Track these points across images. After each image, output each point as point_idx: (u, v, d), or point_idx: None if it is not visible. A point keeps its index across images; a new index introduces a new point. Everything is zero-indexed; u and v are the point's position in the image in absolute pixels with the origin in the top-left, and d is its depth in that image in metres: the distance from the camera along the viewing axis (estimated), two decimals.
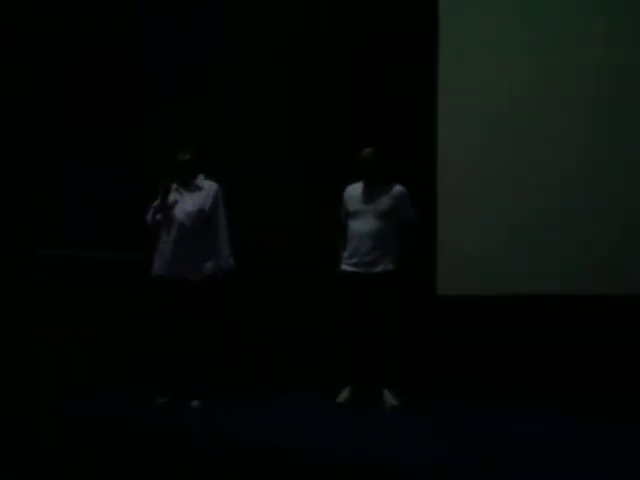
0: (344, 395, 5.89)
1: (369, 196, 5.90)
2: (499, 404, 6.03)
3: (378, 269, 5.81)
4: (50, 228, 7.07)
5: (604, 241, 6.81)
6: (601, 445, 4.61)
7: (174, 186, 5.94)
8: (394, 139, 7.01)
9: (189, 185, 5.93)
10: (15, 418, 5.41)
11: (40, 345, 6.74)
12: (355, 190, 5.98)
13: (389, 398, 5.75)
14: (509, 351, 6.95)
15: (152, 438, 4.81)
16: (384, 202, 5.87)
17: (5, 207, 7.24)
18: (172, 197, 5.92)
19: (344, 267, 5.93)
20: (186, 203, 5.88)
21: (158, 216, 5.92)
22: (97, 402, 6.10)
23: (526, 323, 7.01)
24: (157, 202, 5.92)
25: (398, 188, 5.92)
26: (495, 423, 5.32)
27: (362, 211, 5.88)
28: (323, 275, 6.54)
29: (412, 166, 7.05)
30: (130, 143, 7.50)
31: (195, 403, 5.81)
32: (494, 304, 7.13)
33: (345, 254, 5.94)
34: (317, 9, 7.76)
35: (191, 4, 7.67)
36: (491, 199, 7.22)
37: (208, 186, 5.95)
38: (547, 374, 6.74)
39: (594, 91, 6.91)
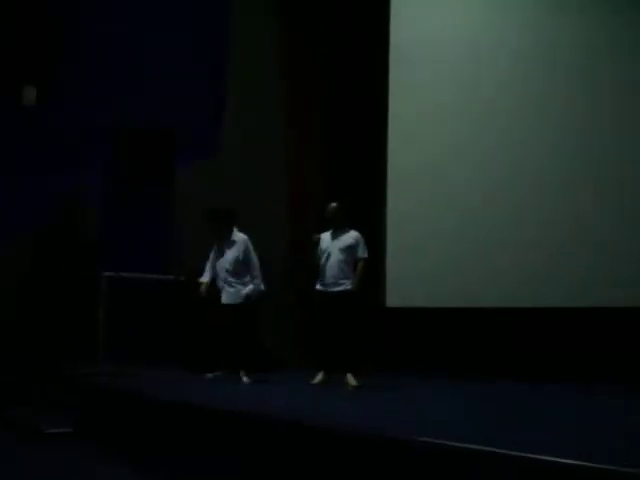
0: (318, 378, 7.41)
1: (335, 237, 7.48)
2: (427, 389, 7.42)
3: (340, 288, 7.36)
4: (111, 256, 8.86)
5: (540, 256, 7.63)
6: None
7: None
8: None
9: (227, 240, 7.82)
10: None
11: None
12: (326, 235, 7.57)
13: (350, 380, 7.22)
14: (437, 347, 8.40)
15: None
16: (346, 242, 7.44)
17: (81, 242, 9.00)
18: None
19: (317, 287, 7.50)
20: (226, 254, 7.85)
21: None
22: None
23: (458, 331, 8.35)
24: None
25: (354, 233, 7.48)
26: (418, 400, 6.54)
27: (330, 247, 7.44)
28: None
29: (366, 187, 8.61)
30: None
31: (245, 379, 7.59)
32: (436, 315, 8.50)
33: (319, 278, 7.50)
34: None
35: None
36: (437, 218, 8.42)
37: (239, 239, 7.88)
38: (468, 369, 7.98)
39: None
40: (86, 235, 9.46)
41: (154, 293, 8.91)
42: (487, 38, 8.29)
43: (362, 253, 7.45)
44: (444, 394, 7.18)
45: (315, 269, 7.54)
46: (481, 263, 8.10)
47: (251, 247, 7.84)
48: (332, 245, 7.43)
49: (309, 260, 7.57)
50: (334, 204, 7.50)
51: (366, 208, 8.82)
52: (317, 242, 7.40)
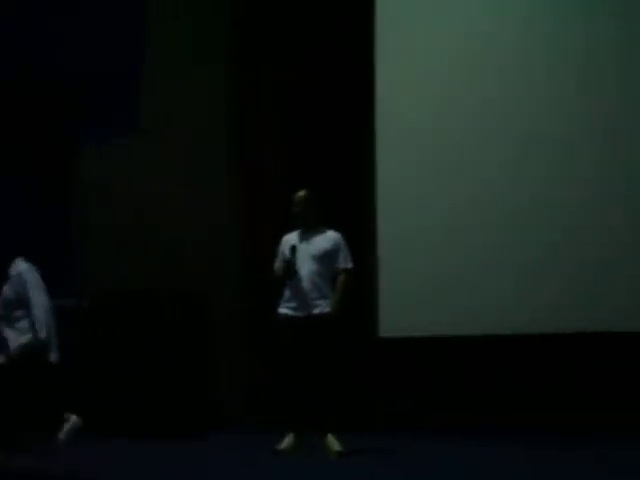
0: (287, 442, 5.87)
1: (304, 240, 6.01)
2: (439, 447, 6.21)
3: (316, 311, 5.91)
4: None
5: (538, 281, 6.95)
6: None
7: None
8: (331, 182, 7.22)
9: None
10: None
11: None
12: (291, 237, 6.09)
13: (332, 443, 5.78)
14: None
15: None
16: (322, 246, 6.00)
17: None
18: None
19: (282, 310, 6.01)
20: None
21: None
22: None
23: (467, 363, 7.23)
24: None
25: (333, 234, 6.06)
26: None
27: (298, 254, 5.96)
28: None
29: (351, 209, 7.30)
30: None
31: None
32: (435, 345, 7.33)
33: (284, 298, 6.00)
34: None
35: None
36: (430, 241, 7.41)
37: None
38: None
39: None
40: None
41: None
42: None
43: (344, 262, 6.09)
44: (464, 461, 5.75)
45: (277, 285, 6.10)
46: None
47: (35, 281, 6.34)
48: (302, 250, 6.01)
49: (272, 274, 6.16)
50: (302, 192, 6.11)
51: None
52: (292, 249, 6.00)
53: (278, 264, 6.10)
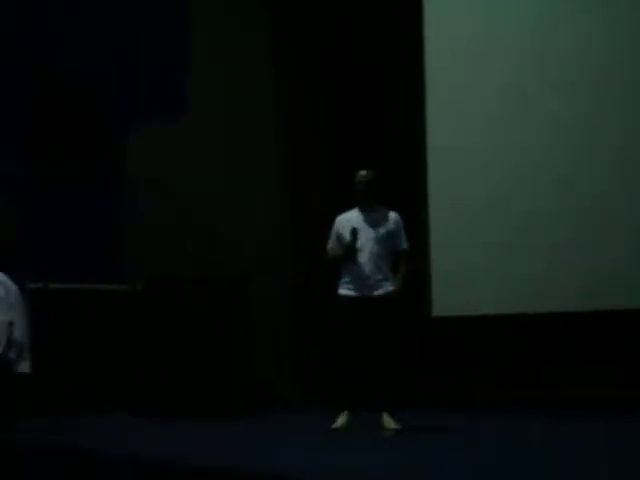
0: (341, 421, 5.79)
1: (366, 221, 5.82)
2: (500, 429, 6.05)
3: (380, 292, 5.76)
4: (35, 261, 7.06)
5: (590, 259, 6.85)
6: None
7: None
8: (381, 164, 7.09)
9: None
10: None
11: None
12: (349, 217, 5.89)
13: (388, 422, 5.67)
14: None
15: None
16: (383, 226, 5.83)
17: None
18: None
19: (343, 292, 5.84)
20: None
21: None
22: None
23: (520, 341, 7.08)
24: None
25: (393, 214, 5.90)
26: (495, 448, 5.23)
27: (360, 235, 5.76)
28: None
29: (402, 191, 7.12)
30: None
31: None
32: (487, 324, 7.23)
33: (344, 279, 5.84)
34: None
35: None
36: (482, 218, 7.34)
37: None
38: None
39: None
40: None
41: (96, 310, 7.01)
42: None
43: (405, 243, 5.97)
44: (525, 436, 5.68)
45: (330, 266, 5.94)
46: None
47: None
48: (364, 231, 5.80)
49: (324, 255, 5.99)
50: (366, 172, 5.87)
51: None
52: (354, 231, 5.75)
53: (332, 245, 5.94)
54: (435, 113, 7.61)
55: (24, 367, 6.03)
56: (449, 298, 7.43)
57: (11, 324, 5.96)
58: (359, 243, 5.74)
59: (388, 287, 5.78)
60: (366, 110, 7.82)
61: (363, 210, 5.87)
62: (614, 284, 6.74)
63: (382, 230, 5.82)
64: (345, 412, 5.81)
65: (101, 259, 7.01)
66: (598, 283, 6.81)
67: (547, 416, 6.43)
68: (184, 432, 6.13)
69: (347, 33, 7.94)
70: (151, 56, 7.51)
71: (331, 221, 5.96)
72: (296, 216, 7.94)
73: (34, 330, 6.34)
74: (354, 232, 5.72)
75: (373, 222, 5.82)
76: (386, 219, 5.86)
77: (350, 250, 5.74)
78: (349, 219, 5.86)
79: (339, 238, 5.86)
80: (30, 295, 6.65)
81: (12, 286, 6.06)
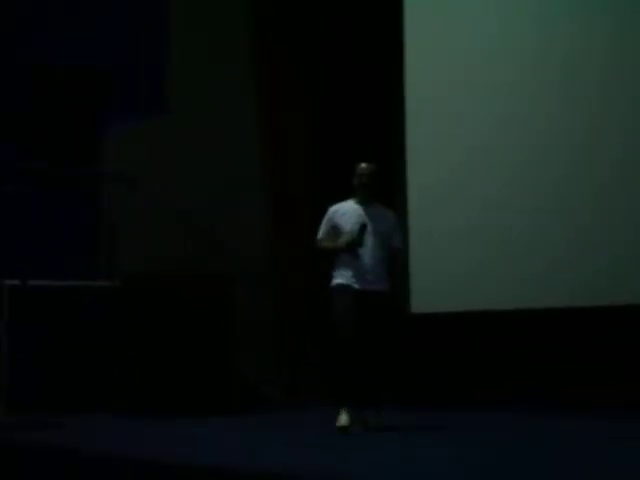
0: (344, 419, 5.57)
1: (367, 215, 5.68)
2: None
3: (376, 287, 5.65)
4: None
5: (573, 256, 6.80)
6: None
7: None
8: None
9: None
10: None
11: None
12: (346, 208, 5.74)
13: (376, 419, 5.60)
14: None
15: None
16: (384, 223, 5.75)
17: None
18: None
19: (340, 281, 5.68)
20: None
21: None
22: None
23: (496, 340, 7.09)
24: None
25: (391, 212, 5.84)
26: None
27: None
28: None
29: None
30: None
31: None
32: (466, 320, 7.23)
33: (342, 271, 5.68)
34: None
35: None
36: (460, 214, 7.31)
37: None
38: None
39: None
40: None
41: (77, 308, 6.93)
42: None
43: (400, 242, 5.95)
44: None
45: (324, 258, 5.83)
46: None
47: None
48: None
49: (315, 244, 5.82)
50: (367, 164, 5.73)
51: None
52: (363, 227, 5.61)
53: (323, 235, 5.77)
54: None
55: None
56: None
57: None
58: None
59: (384, 284, 5.69)
60: (349, 110, 7.77)
61: (363, 204, 5.72)
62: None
63: (383, 226, 5.72)
64: (344, 409, 5.57)
65: (82, 257, 6.93)
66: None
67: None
68: (168, 430, 6.06)
69: (330, 32, 7.89)
70: (133, 56, 7.46)
71: (315, 220, 5.82)
72: (279, 215, 7.89)
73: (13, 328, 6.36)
74: (363, 228, 5.58)
75: (374, 217, 5.69)
76: (385, 216, 5.78)
77: (355, 244, 5.60)
78: (347, 210, 5.71)
79: (334, 228, 5.72)
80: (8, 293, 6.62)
81: None
